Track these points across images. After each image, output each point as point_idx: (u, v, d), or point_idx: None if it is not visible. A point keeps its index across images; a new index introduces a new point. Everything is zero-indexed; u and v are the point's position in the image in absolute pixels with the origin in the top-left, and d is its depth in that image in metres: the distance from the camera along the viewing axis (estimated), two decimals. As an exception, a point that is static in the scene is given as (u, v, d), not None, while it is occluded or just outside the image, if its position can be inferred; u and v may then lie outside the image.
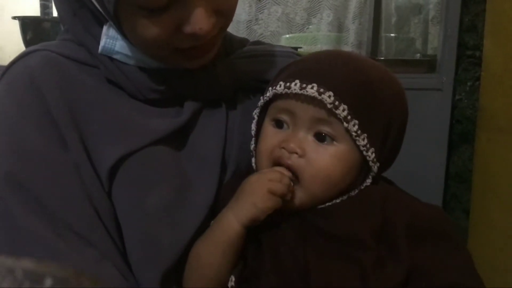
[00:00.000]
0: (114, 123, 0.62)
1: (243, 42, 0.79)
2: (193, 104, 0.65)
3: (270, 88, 0.61)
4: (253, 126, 0.65)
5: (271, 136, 0.61)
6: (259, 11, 2.07)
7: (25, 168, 0.57)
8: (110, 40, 0.62)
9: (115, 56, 0.63)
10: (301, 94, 0.57)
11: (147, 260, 0.60)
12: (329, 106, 0.56)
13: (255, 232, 0.59)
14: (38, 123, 0.59)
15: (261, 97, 0.63)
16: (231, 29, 2.13)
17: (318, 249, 0.57)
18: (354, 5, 2.07)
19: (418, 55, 2.03)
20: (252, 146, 0.65)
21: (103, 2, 0.56)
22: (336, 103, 0.56)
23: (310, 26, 2.13)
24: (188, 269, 0.62)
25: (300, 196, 0.59)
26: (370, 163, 0.60)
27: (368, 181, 0.62)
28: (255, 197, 0.57)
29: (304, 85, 0.57)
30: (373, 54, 2.07)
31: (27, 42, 1.63)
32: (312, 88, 0.56)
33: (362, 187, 0.62)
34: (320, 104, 0.57)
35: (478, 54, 1.65)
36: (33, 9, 1.79)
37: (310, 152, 0.58)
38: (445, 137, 1.65)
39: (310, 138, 0.59)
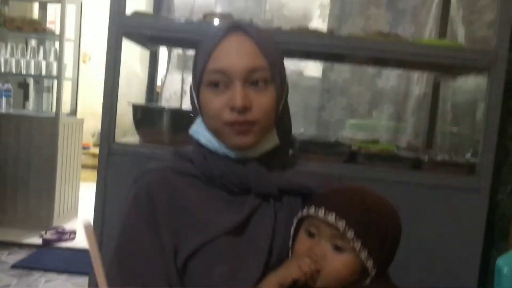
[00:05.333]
0: (200, 220, 0.92)
1: (294, 158, 1.13)
2: (251, 204, 0.94)
3: (306, 207, 0.90)
4: (292, 229, 0.93)
5: (304, 242, 0.91)
6: (327, 101, 2.39)
7: (129, 253, 0.91)
8: (200, 133, 0.97)
9: (201, 140, 0.96)
10: (324, 219, 0.87)
11: None
12: (341, 229, 0.85)
13: None
14: (146, 222, 0.92)
15: (300, 210, 0.92)
16: (302, 112, 2.45)
17: None
18: (413, 101, 2.30)
19: (470, 153, 2.18)
20: (290, 243, 0.97)
21: (193, 101, 0.94)
22: (347, 228, 0.85)
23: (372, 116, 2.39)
24: None
25: (318, 283, 0.90)
26: (369, 269, 0.90)
27: (368, 280, 0.91)
28: (288, 265, 0.87)
29: (326, 213, 0.86)
30: (428, 146, 2.27)
31: (136, 122, 2.09)
32: (331, 216, 0.86)
33: (364, 284, 0.91)
34: (336, 227, 0.86)
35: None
36: (141, 97, 2.27)
37: (328, 256, 0.87)
38: (481, 235, 1.79)
39: (329, 246, 0.87)
